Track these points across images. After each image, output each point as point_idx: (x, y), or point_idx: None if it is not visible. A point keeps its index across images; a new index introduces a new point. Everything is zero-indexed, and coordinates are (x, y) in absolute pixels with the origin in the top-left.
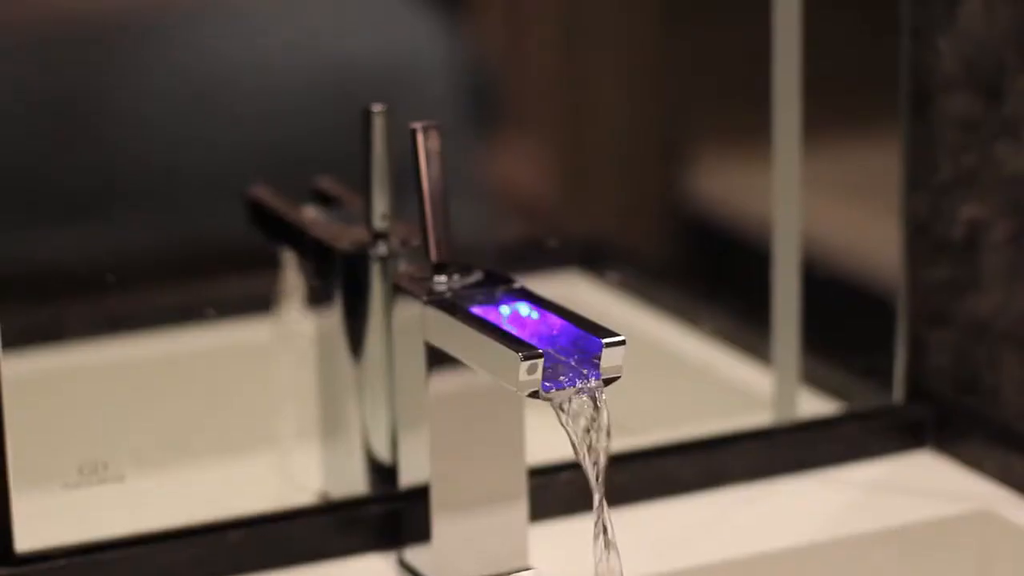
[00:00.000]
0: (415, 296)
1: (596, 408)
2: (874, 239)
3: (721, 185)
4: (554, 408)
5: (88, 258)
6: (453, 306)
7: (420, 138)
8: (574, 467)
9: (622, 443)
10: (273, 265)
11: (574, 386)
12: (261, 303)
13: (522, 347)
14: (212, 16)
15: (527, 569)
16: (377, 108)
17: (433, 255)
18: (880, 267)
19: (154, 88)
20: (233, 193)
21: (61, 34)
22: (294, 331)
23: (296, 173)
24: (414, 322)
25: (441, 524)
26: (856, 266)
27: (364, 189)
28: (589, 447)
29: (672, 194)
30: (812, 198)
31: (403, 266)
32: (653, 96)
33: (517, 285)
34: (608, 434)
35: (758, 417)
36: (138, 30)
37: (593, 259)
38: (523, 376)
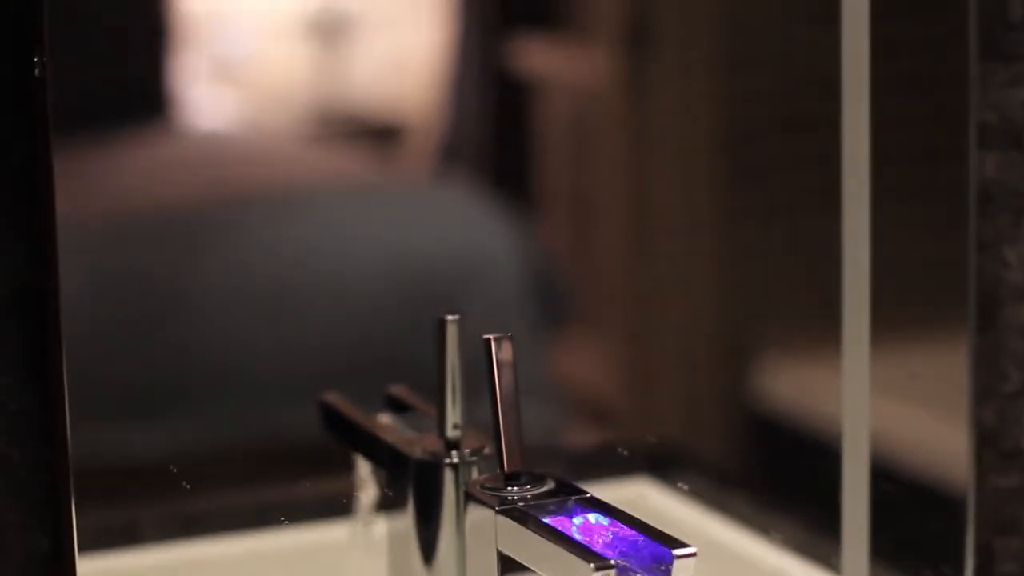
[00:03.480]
0: (487, 505)
1: None
2: (943, 446)
3: (789, 387)
4: None
5: (162, 459)
6: (525, 515)
7: (493, 349)
8: None
9: None
10: (346, 469)
11: None
12: (334, 507)
13: (593, 558)
14: (289, 217)
15: None
16: (450, 318)
17: (506, 465)
18: (948, 474)
19: (229, 289)
20: (306, 396)
21: (140, 230)
22: (367, 535)
23: (369, 378)
24: (486, 530)
25: None
26: (925, 472)
27: (437, 398)
28: None
29: (740, 396)
30: (881, 403)
31: (475, 474)
32: (720, 297)
33: (588, 495)
34: None
35: None
36: (214, 230)
37: (663, 465)
38: None
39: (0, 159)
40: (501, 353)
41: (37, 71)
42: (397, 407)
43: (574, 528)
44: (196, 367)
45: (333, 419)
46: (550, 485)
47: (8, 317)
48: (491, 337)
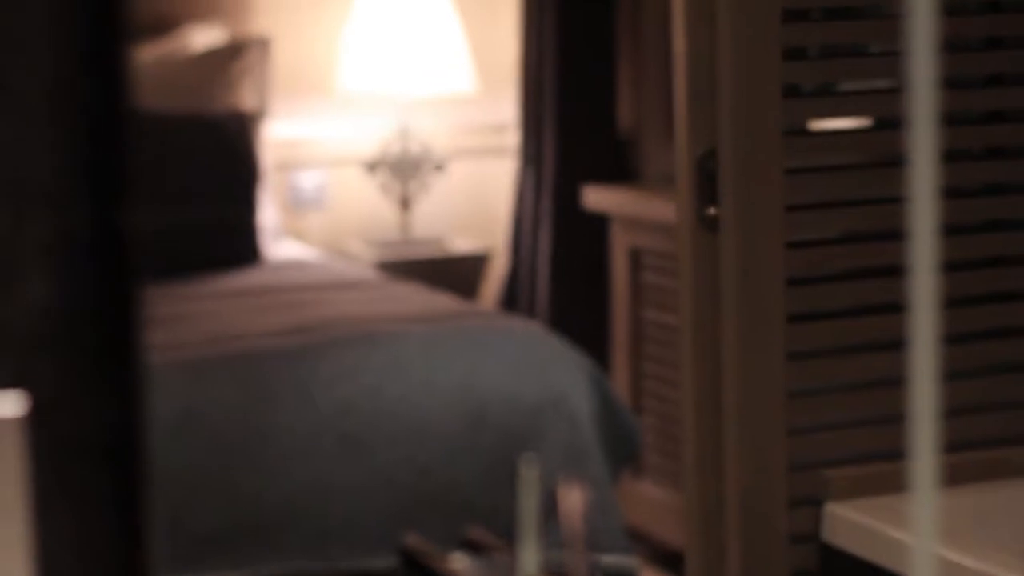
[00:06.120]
0: None
1: None
2: None
3: (856, 531)
4: None
5: None
6: None
7: (565, 495)
8: None
9: None
10: None
11: None
12: None
13: None
14: (363, 352)
15: None
16: (528, 469)
17: None
18: None
19: (307, 427)
20: (384, 535)
21: (220, 368)
22: None
23: (443, 515)
24: None
25: None
26: None
27: (514, 541)
28: None
29: (807, 540)
30: (949, 548)
31: None
32: (786, 439)
33: None
34: None
35: None
36: (294, 366)
37: None
38: None
39: (88, 308)
40: (573, 500)
41: (120, 221)
42: (473, 549)
43: None
44: (275, 508)
45: (412, 561)
46: None
47: (99, 464)
48: (563, 484)
